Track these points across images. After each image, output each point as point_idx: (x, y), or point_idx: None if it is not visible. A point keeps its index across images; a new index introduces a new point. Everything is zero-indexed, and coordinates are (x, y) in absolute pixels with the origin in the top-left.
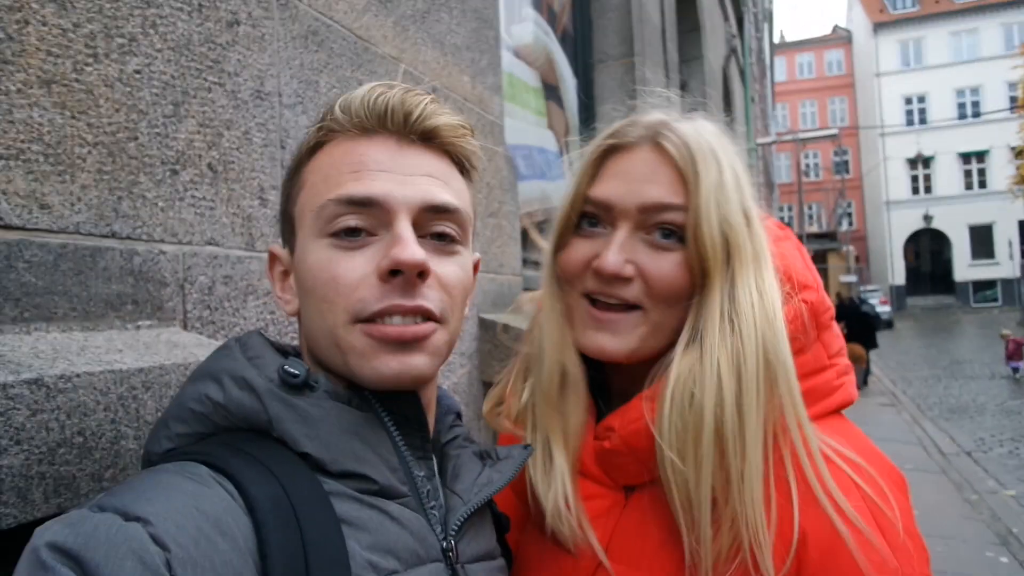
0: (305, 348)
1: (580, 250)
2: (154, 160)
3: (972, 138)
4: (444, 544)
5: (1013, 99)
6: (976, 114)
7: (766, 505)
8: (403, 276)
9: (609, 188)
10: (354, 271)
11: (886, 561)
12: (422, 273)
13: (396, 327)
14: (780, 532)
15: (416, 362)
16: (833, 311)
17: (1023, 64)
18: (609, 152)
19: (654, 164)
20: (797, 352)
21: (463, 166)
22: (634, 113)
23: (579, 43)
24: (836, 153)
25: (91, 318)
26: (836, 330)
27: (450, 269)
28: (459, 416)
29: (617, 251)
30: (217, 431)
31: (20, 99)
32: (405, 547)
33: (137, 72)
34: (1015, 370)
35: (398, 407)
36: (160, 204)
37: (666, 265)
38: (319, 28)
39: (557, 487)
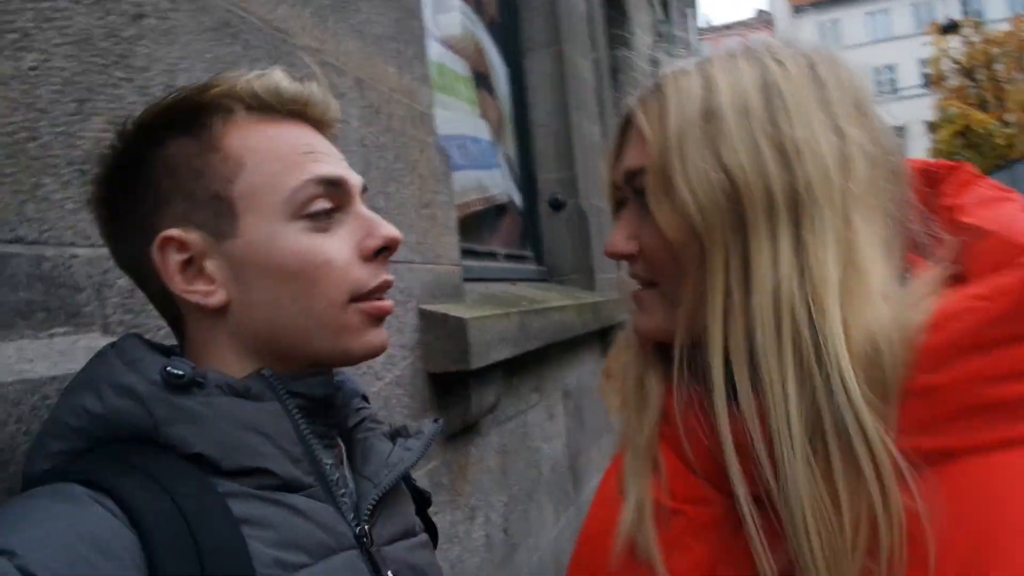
0: (239, 342)
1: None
2: (59, 161)
3: (890, 114)
4: (357, 531)
5: (926, 76)
6: (893, 91)
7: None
8: (385, 253)
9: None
10: (342, 252)
11: None
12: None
13: (387, 303)
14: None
15: (385, 333)
16: None
17: (932, 42)
18: (625, 127)
19: (637, 127)
20: (1012, 340)
21: None
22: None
23: (507, 31)
24: None
25: (0, 328)
26: None
27: None
28: (365, 399)
29: (618, 229)
30: (98, 444)
31: None
32: (313, 540)
33: (33, 69)
34: None
35: (309, 388)
36: (68, 206)
37: (649, 235)
38: (232, 20)
39: (634, 496)
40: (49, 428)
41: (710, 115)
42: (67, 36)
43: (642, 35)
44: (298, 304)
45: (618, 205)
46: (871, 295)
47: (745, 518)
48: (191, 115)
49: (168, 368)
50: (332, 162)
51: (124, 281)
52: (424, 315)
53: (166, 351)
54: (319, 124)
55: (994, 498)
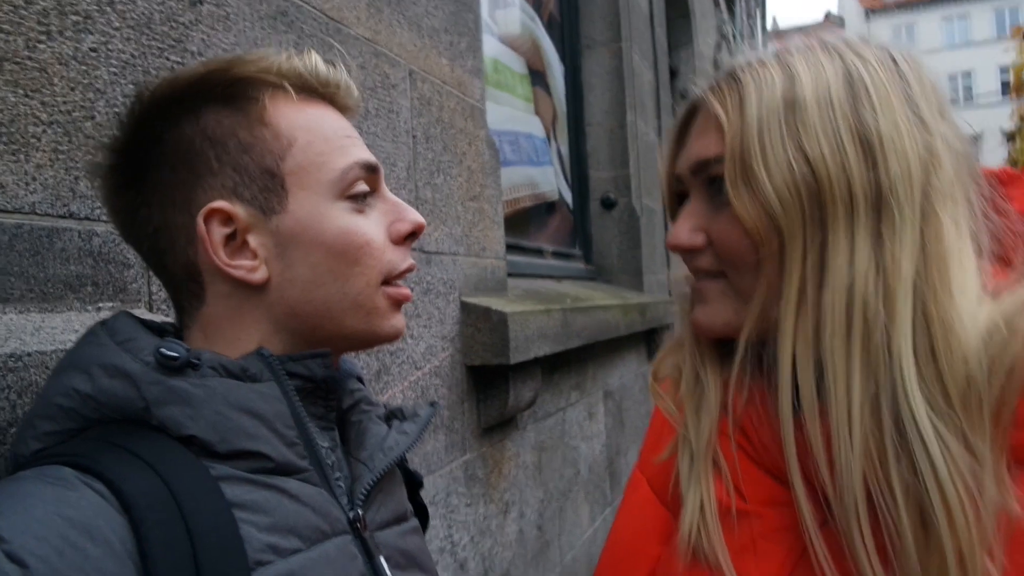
0: (270, 319)
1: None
2: None
3: (966, 122)
4: (351, 515)
5: (1005, 83)
6: (969, 98)
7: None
8: (412, 237)
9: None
10: (380, 235)
11: None
12: None
13: (408, 289)
14: None
15: (404, 319)
16: None
17: (1015, 48)
18: (689, 117)
19: (705, 116)
20: None
21: None
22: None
23: (565, 28)
24: None
25: (49, 300)
26: None
27: None
28: (360, 380)
29: (682, 222)
30: (89, 425)
31: None
32: (307, 524)
33: (93, 50)
34: None
35: (310, 370)
36: None
37: (723, 226)
38: (288, 8)
39: (695, 498)
40: (38, 409)
41: (792, 105)
42: (127, 20)
43: (706, 36)
44: (337, 283)
45: (678, 198)
46: (962, 290)
47: (803, 517)
48: (232, 88)
49: (162, 349)
50: (365, 148)
51: None
52: (466, 307)
53: (158, 329)
54: (344, 109)
55: None
